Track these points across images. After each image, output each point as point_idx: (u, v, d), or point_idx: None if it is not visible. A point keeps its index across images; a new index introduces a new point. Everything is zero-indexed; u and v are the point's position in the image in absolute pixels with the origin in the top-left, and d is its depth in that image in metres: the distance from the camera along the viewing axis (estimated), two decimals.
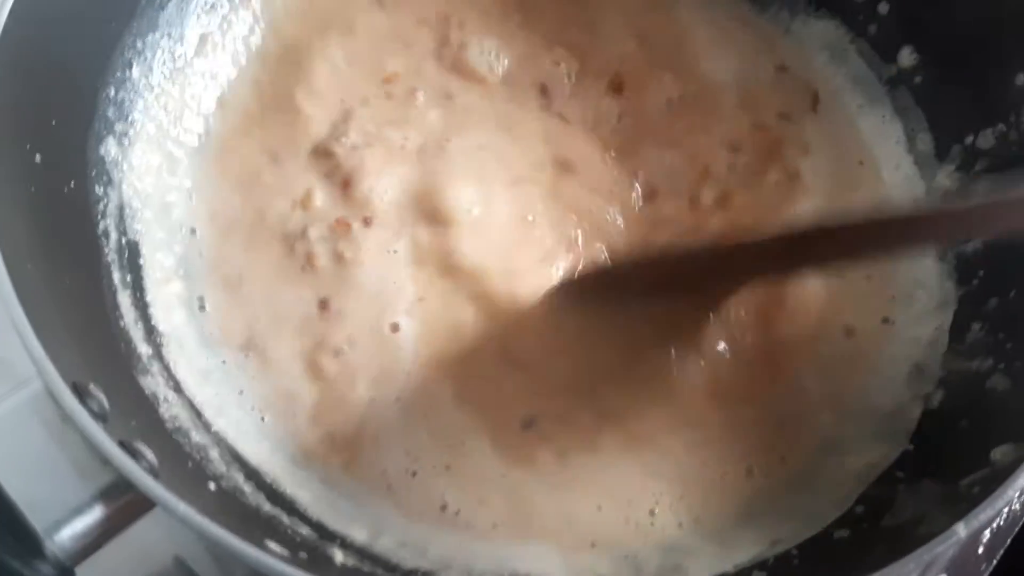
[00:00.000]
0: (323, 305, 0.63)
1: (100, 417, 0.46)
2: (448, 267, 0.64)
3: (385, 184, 0.67)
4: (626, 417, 0.60)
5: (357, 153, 0.68)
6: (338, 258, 0.64)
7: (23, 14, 0.54)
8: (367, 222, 0.65)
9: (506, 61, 0.73)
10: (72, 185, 0.59)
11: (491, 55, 0.73)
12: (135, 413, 0.53)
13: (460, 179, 0.67)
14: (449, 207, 0.66)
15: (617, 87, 0.73)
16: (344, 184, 0.67)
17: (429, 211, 0.66)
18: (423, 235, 0.65)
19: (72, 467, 0.45)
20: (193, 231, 0.66)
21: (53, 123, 0.58)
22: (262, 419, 0.60)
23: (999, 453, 0.49)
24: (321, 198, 0.67)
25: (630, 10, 0.76)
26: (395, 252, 0.65)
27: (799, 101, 0.73)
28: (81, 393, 0.46)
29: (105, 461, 0.44)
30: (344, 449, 0.59)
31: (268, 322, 0.63)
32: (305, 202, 0.66)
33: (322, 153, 0.69)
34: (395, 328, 0.62)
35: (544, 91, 0.73)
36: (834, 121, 0.73)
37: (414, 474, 0.59)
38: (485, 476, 0.59)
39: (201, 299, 0.64)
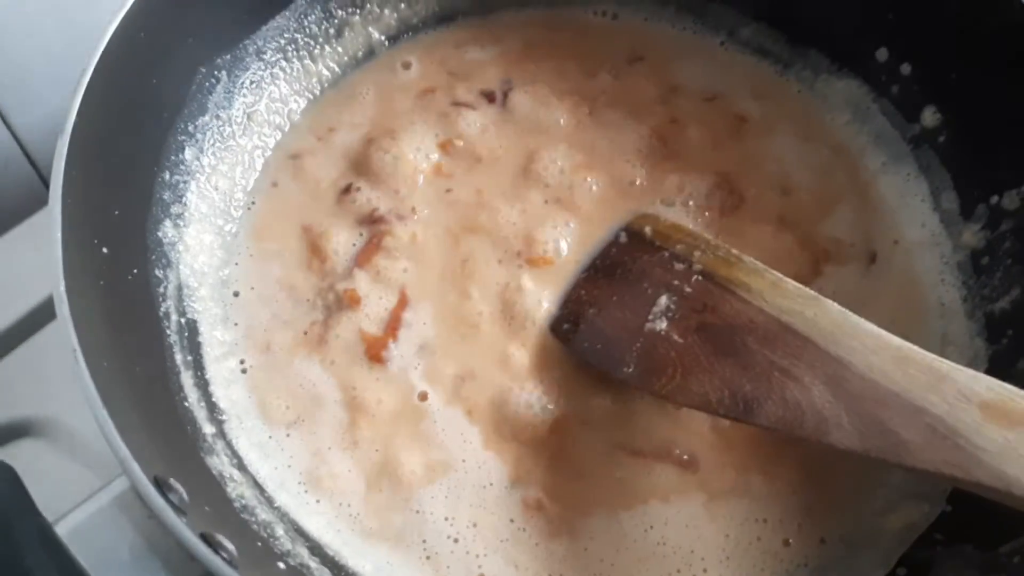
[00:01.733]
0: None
1: (181, 511, 0.48)
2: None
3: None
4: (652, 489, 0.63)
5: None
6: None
7: (88, 114, 0.57)
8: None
9: None
10: (135, 272, 0.62)
11: None
12: (206, 497, 0.55)
13: None
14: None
15: None
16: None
17: None
18: None
19: (159, 562, 0.47)
20: (237, 294, 0.69)
21: (116, 213, 0.61)
22: (315, 500, 0.62)
23: None
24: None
25: None
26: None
27: None
28: (163, 488, 0.49)
29: (191, 557, 0.46)
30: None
31: (306, 399, 0.66)
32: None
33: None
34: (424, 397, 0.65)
35: None
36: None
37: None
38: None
39: (243, 362, 0.67)
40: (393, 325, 0.67)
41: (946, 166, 0.73)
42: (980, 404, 0.53)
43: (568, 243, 0.71)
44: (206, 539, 0.47)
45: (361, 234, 0.71)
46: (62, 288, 0.51)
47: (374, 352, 0.66)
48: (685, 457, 0.64)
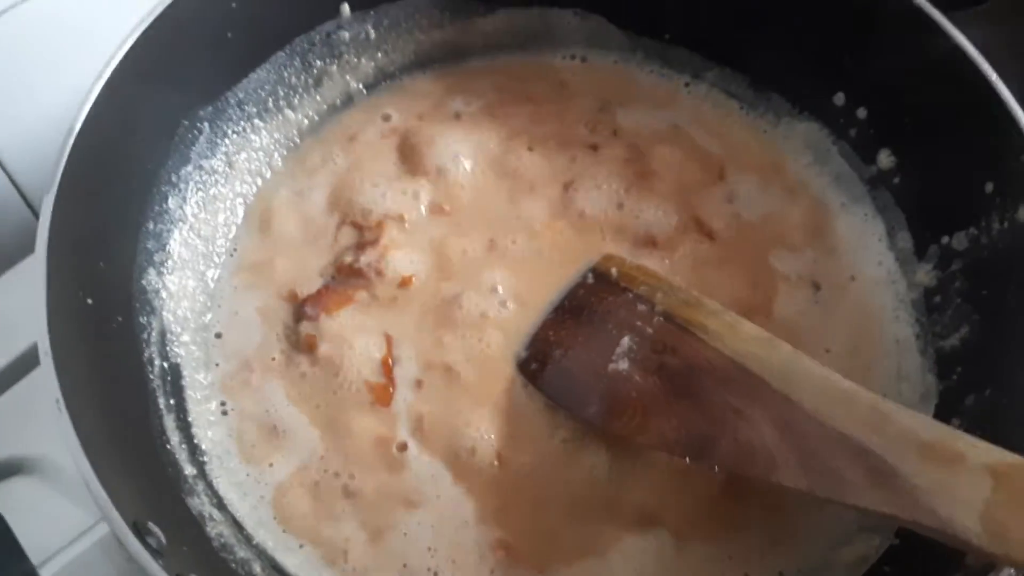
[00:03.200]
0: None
1: (158, 553, 0.51)
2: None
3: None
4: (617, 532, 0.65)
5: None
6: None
7: (74, 169, 0.61)
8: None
9: None
10: (120, 320, 0.65)
11: None
12: (186, 537, 0.58)
13: None
14: None
15: None
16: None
17: None
18: None
19: None
20: (219, 335, 0.72)
21: (101, 265, 0.64)
22: (294, 539, 0.65)
23: (970, 559, 0.54)
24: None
25: None
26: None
27: None
28: (141, 532, 0.51)
29: None
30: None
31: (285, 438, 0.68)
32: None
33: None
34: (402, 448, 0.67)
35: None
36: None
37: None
38: None
39: (223, 404, 0.69)
40: (386, 371, 0.70)
41: (900, 207, 0.75)
42: (919, 445, 0.56)
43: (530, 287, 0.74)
44: None
45: (334, 277, 0.73)
46: (47, 342, 0.54)
47: (379, 397, 0.69)
48: (650, 500, 0.66)
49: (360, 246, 0.74)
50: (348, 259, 0.74)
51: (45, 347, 0.54)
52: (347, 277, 0.74)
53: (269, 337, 0.72)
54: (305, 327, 0.71)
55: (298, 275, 0.74)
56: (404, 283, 0.73)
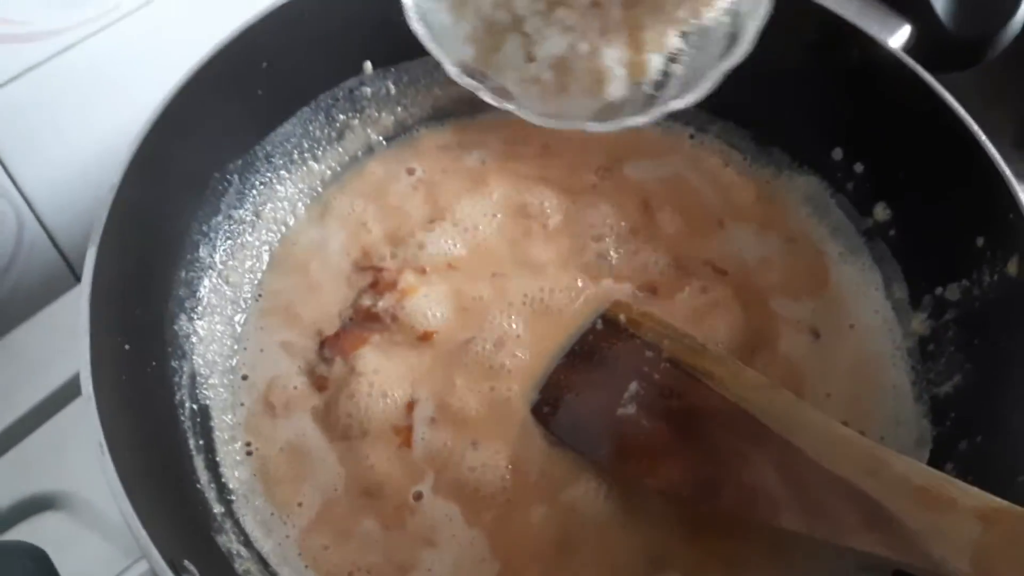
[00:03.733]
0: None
1: None
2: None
3: None
4: None
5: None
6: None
7: (114, 224, 0.64)
8: None
9: None
10: (153, 364, 0.68)
11: None
12: (216, 573, 0.61)
13: None
14: None
15: None
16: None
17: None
18: None
19: None
20: (245, 377, 0.75)
21: (137, 312, 0.68)
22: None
23: None
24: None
25: None
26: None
27: None
28: (177, 569, 0.54)
29: None
30: None
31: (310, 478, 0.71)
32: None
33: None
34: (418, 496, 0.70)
35: None
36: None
37: None
38: None
39: (248, 444, 0.73)
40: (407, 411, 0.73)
41: (896, 258, 0.79)
42: (914, 489, 0.59)
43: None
44: None
45: (351, 319, 0.77)
46: (90, 387, 0.58)
47: (403, 438, 0.72)
48: (660, 543, 0.68)
49: (379, 291, 0.78)
50: (366, 303, 0.78)
51: (88, 392, 0.57)
52: (364, 320, 0.77)
53: (292, 378, 0.75)
54: (324, 368, 0.75)
55: (320, 317, 0.78)
56: (425, 336, 0.76)
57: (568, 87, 0.56)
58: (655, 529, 0.68)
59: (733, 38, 0.57)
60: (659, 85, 0.59)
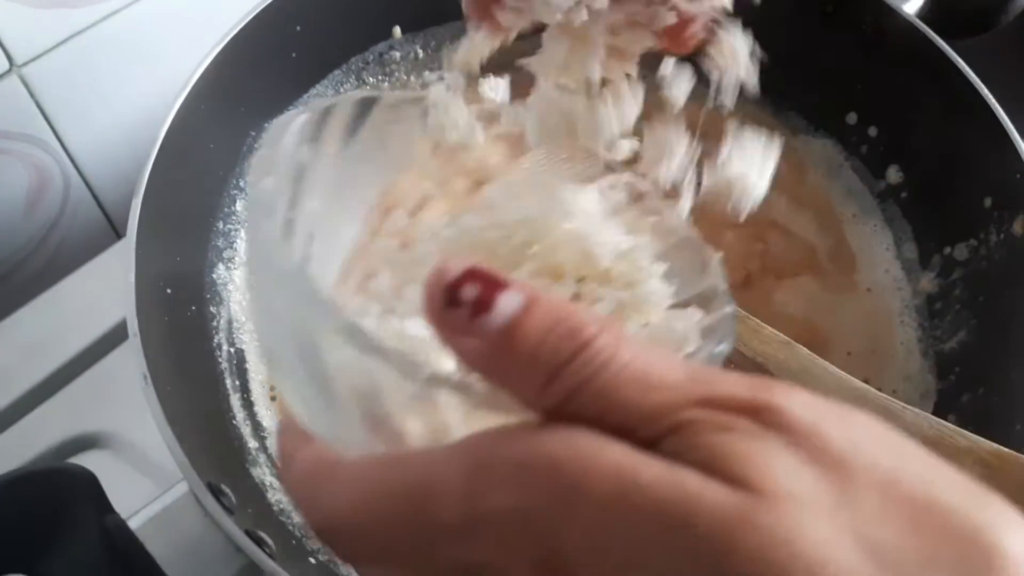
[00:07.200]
0: None
1: (230, 511, 0.58)
2: None
3: None
4: None
5: None
6: None
7: (156, 179, 0.68)
8: None
9: None
10: (193, 309, 0.72)
11: None
12: (250, 501, 0.65)
13: None
14: None
15: None
16: None
17: None
18: None
19: (213, 553, 0.57)
20: None
21: (178, 259, 0.72)
22: None
23: None
24: None
25: None
26: None
27: None
28: (215, 492, 0.59)
29: (238, 548, 0.56)
30: None
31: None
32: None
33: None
34: None
35: None
36: None
37: None
38: None
39: (273, 388, 0.77)
40: None
41: (907, 219, 0.81)
42: (922, 440, 0.61)
43: None
44: (251, 535, 0.57)
45: None
46: (135, 324, 0.62)
47: None
48: None
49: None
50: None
51: (134, 328, 0.61)
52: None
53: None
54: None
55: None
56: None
57: None
58: None
59: None
60: None
